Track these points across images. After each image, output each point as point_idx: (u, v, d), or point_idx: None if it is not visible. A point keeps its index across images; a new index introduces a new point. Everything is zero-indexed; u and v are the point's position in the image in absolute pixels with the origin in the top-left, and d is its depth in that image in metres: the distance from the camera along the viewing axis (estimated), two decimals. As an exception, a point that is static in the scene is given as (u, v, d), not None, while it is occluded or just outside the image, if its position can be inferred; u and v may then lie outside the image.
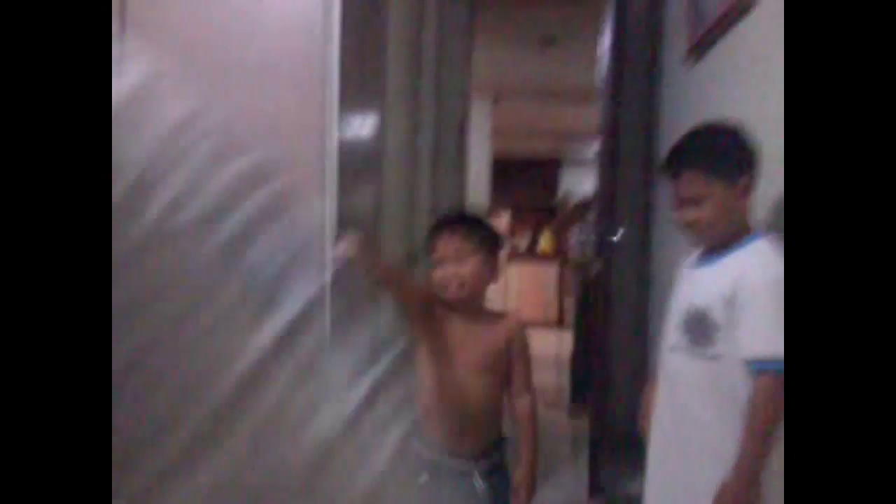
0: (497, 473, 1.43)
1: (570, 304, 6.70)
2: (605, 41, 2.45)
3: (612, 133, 2.27)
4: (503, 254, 1.49)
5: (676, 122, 2.09)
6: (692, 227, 1.17)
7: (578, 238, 3.71)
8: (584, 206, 3.66)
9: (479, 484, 1.39)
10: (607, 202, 2.30)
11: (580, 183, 6.86)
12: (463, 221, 1.45)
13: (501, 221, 7.85)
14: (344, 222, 1.60)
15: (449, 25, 2.89)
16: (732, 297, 1.08)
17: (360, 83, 1.65)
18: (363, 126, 1.72)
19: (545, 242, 8.03)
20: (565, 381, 3.73)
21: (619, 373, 2.66)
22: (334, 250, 1.22)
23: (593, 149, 3.23)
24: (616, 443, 2.54)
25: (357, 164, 1.70)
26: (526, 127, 7.09)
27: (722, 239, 1.16)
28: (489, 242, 1.42)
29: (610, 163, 2.26)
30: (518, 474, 1.42)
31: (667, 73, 2.23)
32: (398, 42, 2.01)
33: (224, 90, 1.48)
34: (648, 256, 2.45)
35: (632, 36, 2.31)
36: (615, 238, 2.22)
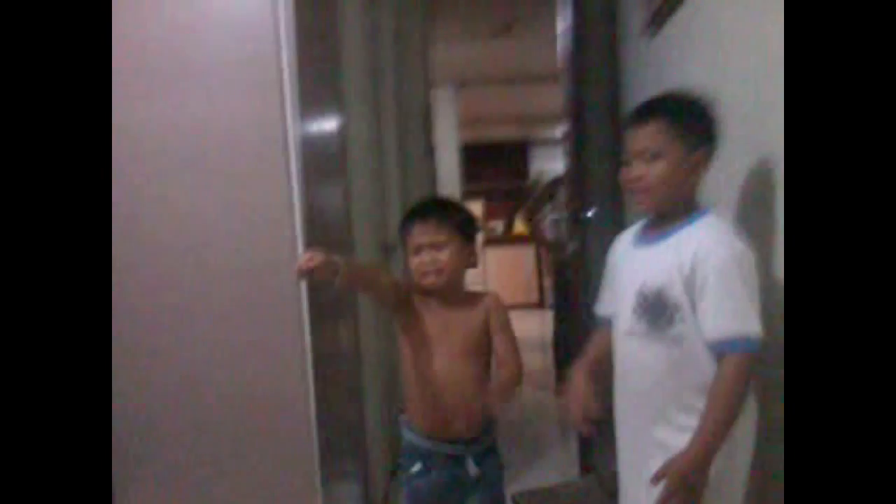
0: (489, 456, 1.44)
1: (548, 285, 6.76)
2: (563, 22, 2.45)
3: (577, 113, 2.27)
4: (479, 238, 1.48)
5: (639, 97, 2.09)
6: (641, 182, 1.12)
7: (551, 218, 3.72)
8: (553, 186, 3.67)
9: (473, 468, 1.40)
10: (577, 182, 2.31)
11: (550, 164, 6.87)
12: (436, 208, 1.44)
13: (475, 208, 7.85)
14: (313, 222, 1.59)
15: (405, 17, 2.88)
16: (691, 274, 1.04)
17: (316, 80, 1.64)
18: (323, 124, 1.70)
19: (520, 225, 8.04)
20: (551, 362, 3.76)
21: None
22: (295, 266, 1.19)
23: (560, 129, 3.23)
24: (604, 421, 2.56)
25: (321, 163, 1.69)
26: (492, 113, 7.09)
27: (669, 209, 1.12)
28: (464, 227, 1.42)
29: (577, 143, 2.27)
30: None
31: (626, 49, 2.24)
32: (353, 36, 1.99)
33: (178, 94, 1.45)
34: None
35: (589, 15, 2.31)
36: (587, 216, 2.23)
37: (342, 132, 1.75)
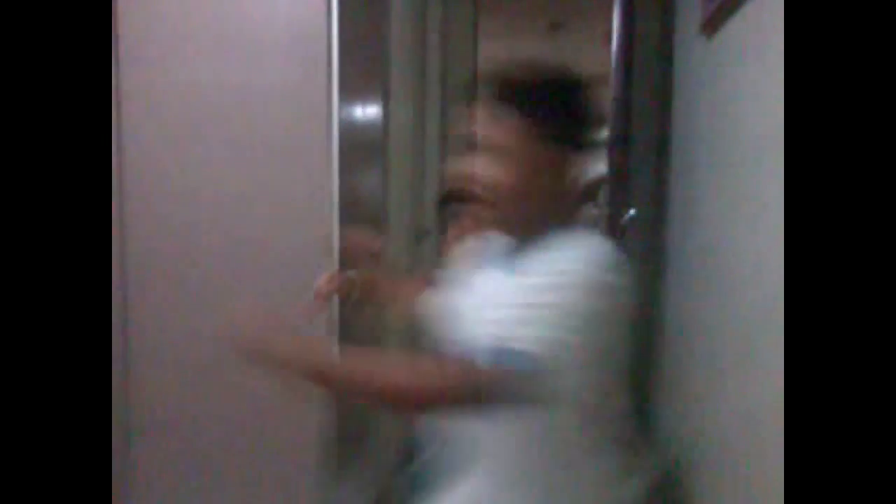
0: None
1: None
2: (616, 22, 2.42)
3: (625, 114, 2.24)
4: None
5: (693, 101, 2.05)
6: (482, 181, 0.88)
7: (588, 220, 3.68)
8: (595, 185, 3.62)
9: None
10: (619, 183, 2.28)
11: (591, 164, 6.77)
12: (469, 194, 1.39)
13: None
14: (349, 204, 1.59)
15: (454, 8, 2.87)
16: None
17: (362, 64, 1.63)
18: (367, 108, 1.70)
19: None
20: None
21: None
22: (315, 288, 1.15)
23: (604, 132, 3.20)
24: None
25: (361, 146, 1.69)
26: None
27: (527, 219, 0.88)
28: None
29: (622, 143, 2.23)
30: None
31: (680, 50, 2.20)
32: (401, 24, 1.99)
33: (227, 65, 1.44)
34: (662, 239, 2.42)
35: (642, 14, 2.28)
36: (627, 217, 2.19)
37: (385, 118, 1.75)
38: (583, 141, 0.90)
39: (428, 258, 2.19)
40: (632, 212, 2.19)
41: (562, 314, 0.78)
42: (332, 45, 1.41)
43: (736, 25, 1.55)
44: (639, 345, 2.64)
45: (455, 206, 1.32)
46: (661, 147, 2.37)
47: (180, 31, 1.40)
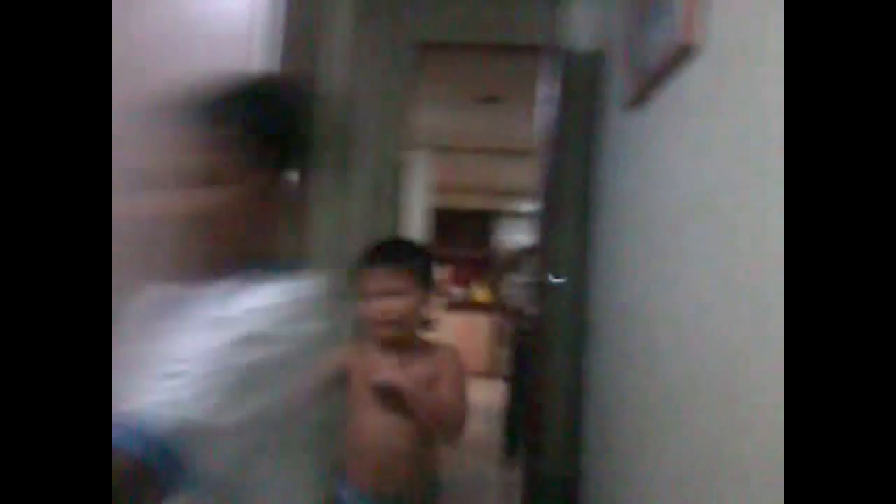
0: None
1: (502, 354, 6.70)
2: (542, 97, 2.53)
3: (552, 185, 2.31)
4: (438, 293, 1.46)
5: (617, 171, 2.14)
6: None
7: (517, 282, 3.74)
8: (521, 255, 3.71)
9: None
10: (545, 251, 2.33)
11: (514, 235, 6.97)
12: (396, 251, 1.38)
13: (442, 273, 7.85)
14: None
15: (395, 75, 2.93)
16: None
17: None
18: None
19: (480, 292, 8.05)
20: (496, 432, 3.68)
21: (553, 423, 2.64)
22: None
23: (527, 204, 3.31)
24: (550, 499, 2.50)
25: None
26: (462, 178, 7.20)
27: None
28: (425, 274, 1.36)
29: (547, 215, 2.30)
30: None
31: (606, 123, 2.31)
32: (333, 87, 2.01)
33: None
34: (585, 305, 2.47)
35: (571, 89, 2.39)
36: (555, 281, 2.24)
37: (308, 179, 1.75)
38: (290, 162, 0.78)
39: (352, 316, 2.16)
40: (558, 279, 2.23)
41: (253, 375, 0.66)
42: None
43: (660, 100, 1.64)
44: (566, 409, 2.65)
45: None
46: (586, 215, 2.44)
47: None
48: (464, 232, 7.93)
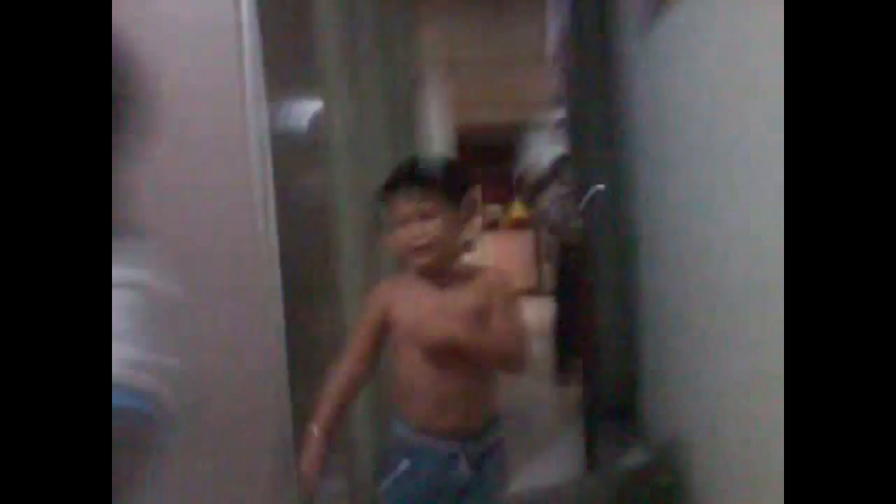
0: (490, 457, 1.26)
1: (547, 271, 6.67)
2: (554, 14, 2.36)
3: (574, 97, 2.15)
4: (477, 212, 1.30)
5: (635, 90, 2.00)
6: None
7: (557, 195, 3.58)
8: (558, 164, 3.52)
9: (465, 469, 1.23)
10: (580, 162, 2.19)
11: (543, 146, 6.76)
12: (421, 171, 1.25)
13: (475, 193, 7.74)
14: (289, 209, 1.47)
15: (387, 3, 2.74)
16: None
17: (288, 63, 1.52)
18: (300, 114, 1.59)
19: (518, 209, 7.94)
20: (546, 351, 3.65)
21: (607, 338, 2.59)
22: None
23: (555, 114, 3.13)
24: (609, 413, 2.48)
25: (297, 149, 1.57)
26: (485, 96, 6.96)
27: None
28: (456, 192, 1.24)
29: (575, 126, 2.15)
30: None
31: (621, 43, 2.15)
32: (328, 22, 1.87)
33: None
34: (630, 213, 2.37)
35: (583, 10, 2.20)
36: (594, 192, 2.12)
37: (321, 122, 1.65)
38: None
39: (383, 255, 2.09)
40: (599, 187, 2.11)
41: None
42: (245, 45, 1.28)
43: (672, 23, 1.49)
44: (619, 321, 2.60)
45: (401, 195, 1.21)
46: (612, 130, 2.32)
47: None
48: (493, 150, 7.71)
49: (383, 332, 1.28)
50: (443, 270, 1.24)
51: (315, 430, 1.24)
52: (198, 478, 1.37)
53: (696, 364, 1.70)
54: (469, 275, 1.26)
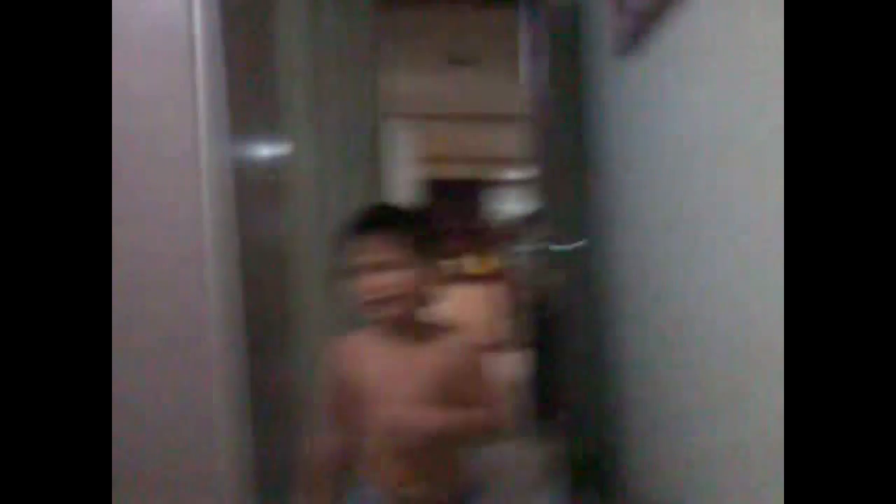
0: None
1: (514, 325, 6.59)
2: (525, 53, 2.36)
3: (548, 146, 2.13)
4: (442, 265, 1.19)
5: (613, 121, 1.97)
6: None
7: (518, 254, 3.55)
8: (529, 221, 3.51)
9: None
10: (550, 216, 2.16)
11: (505, 204, 6.82)
12: (383, 217, 1.14)
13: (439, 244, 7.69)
14: (247, 249, 1.39)
15: (352, 46, 2.72)
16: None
17: (251, 105, 1.47)
18: (258, 147, 1.53)
19: (472, 264, 7.92)
20: (522, 405, 3.53)
21: (586, 396, 2.51)
22: None
23: (517, 172, 3.15)
24: (589, 472, 2.38)
25: (255, 189, 1.50)
26: (446, 148, 7.00)
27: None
28: (423, 244, 1.13)
29: (548, 175, 2.12)
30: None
31: (595, 73, 2.14)
32: (292, 61, 1.83)
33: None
34: (601, 272, 2.34)
35: (554, 43, 2.21)
36: (564, 248, 2.07)
37: (281, 158, 1.60)
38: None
39: (343, 302, 2.00)
40: (568, 245, 2.07)
41: None
42: (197, 82, 1.21)
43: (653, 45, 1.47)
44: (592, 382, 2.52)
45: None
46: (594, 172, 2.31)
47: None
48: (452, 203, 7.72)
49: (346, 388, 1.18)
50: (404, 326, 1.14)
51: None
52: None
53: (681, 428, 1.63)
54: (434, 331, 1.16)
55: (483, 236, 7.56)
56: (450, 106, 5.37)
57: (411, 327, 1.14)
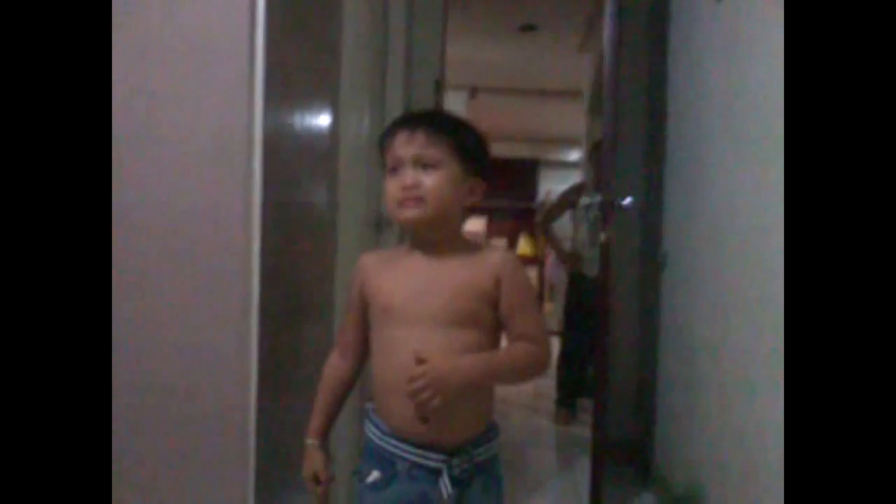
0: (481, 476, 1.03)
1: (551, 309, 6.51)
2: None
3: (615, 87, 2.01)
4: (481, 192, 1.07)
5: (705, 67, 1.84)
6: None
7: (572, 225, 3.44)
8: (574, 193, 3.40)
9: (447, 488, 0.98)
10: (611, 171, 2.04)
11: (559, 185, 6.70)
12: (432, 116, 1.06)
13: (478, 225, 7.63)
14: (293, 221, 1.36)
15: (420, 10, 2.65)
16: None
17: (305, 70, 1.43)
18: (312, 120, 1.49)
19: (524, 245, 7.83)
20: (544, 386, 3.46)
21: (622, 375, 2.42)
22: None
23: (573, 152, 3.04)
24: (618, 455, 2.29)
25: (307, 162, 1.46)
26: (503, 124, 6.88)
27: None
28: (469, 152, 1.02)
29: (612, 137, 2.01)
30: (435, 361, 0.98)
31: (680, 19, 2.04)
32: (355, 31, 1.78)
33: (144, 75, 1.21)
34: (658, 233, 2.22)
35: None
36: (625, 203, 1.96)
37: (334, 126, 1.56)
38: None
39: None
40: (627, 200, 1.96)
41: None
42: (257, 50, 1.18)
43: None
44: (637, 359, 2.43)
45: None
46: (658, 128, 2.20)
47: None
48: (506, 181, 7.60)
49: (367, 311, 1.09)
50: (435, 239, 1.04)
51: (309, 441, 1.11)
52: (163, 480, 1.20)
53: (722, 410, 1.52)
54: (468, 248, 1.05)
55: (533, 216, 7.45)
56: (510, 79, 5.26)
57: (443, 242, 1.04)
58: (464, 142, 1.02)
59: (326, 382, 1.14)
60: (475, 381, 0.98)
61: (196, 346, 1.17)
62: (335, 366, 1.14)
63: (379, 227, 2.01)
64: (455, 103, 5.09)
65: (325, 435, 1.13)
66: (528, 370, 1.02)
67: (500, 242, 7.84)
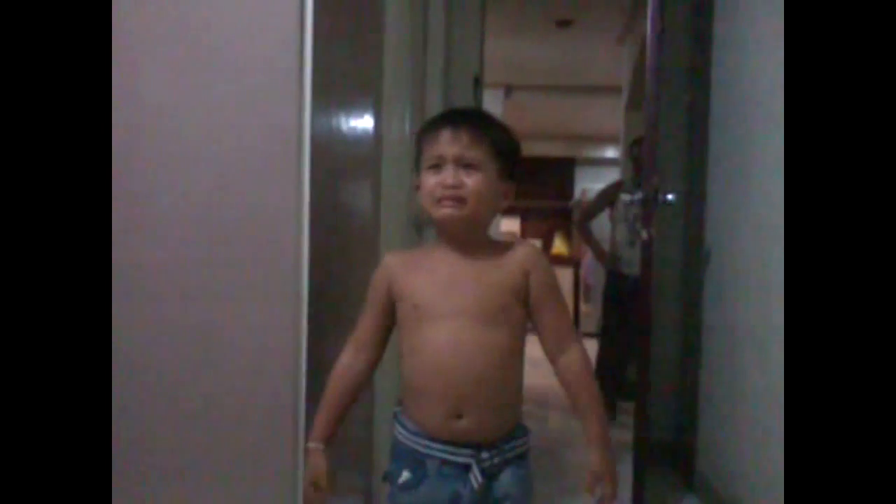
0: (510, 470, 1.03)
1: (586, 309, 6.45)
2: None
3: (657, 81, 1.97)
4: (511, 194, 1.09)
5: (743, 59, 1.80)
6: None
7: (610, 224, 3.40)
8: (613, 190, 3.36)
9: (477, 479, 0.99)
10: (653, 166, 2.00)
11: (596, 184, 6.63)
12: (476, 117, 1.06)
13: (511, 225, 7.59)
14: (340, 226, 1.36)
15: (458, 8, 2.64)
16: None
17: (349, 72, 1.44)
18: (356, 119, 1.49)
19: (559, 245, 7.76)
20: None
21: (664, 375, 2.37)
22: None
23: (609, 149, 3.00)
24: (659, 458, 2.24)
25: (349, 161, 1.47)
26: (539, 122, 6.83)
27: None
28: (507, 156, 1.04)
29: (653, 130, 1.96)
30: (594, 462, 1.02)
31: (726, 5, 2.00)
32: (399, 29, 1.78)
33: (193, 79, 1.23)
34: (701, 230, 2.16)
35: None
36: (668, 198, 1.91)
37: (376, 126, 1.57)
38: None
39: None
40: (671, 195, 1.92)
41: None
42: (305, 52, 1.20)
43: None
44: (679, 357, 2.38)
45: None
46: (699, 128, 2.14)
47: (141, 38, 1.19)
48: (541, 180, 7.53)
49: (390, 311, 1.09)
50: (468, 239, 1.05)
51: (312, 445, 1.07)
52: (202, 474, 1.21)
53: (766, 413, 1.47)
54: (495, 246, 1.07)
55: (569, 216, 7.38)
56: (546, 75, 5.21)
57: (475, 241, 1.05)
58: (502, 144, 1.04)
59: (337, 382, 1.11)
60: (608, 440, 1.07)
61: (245, 351, 1.17)
62: (347, 364, 1.11)
63: (419, 228, 2.00)
64: (492, 102, 5.07)
65: (329, 439, 1.08)
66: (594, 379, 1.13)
67: (535, 243, 7.79)
